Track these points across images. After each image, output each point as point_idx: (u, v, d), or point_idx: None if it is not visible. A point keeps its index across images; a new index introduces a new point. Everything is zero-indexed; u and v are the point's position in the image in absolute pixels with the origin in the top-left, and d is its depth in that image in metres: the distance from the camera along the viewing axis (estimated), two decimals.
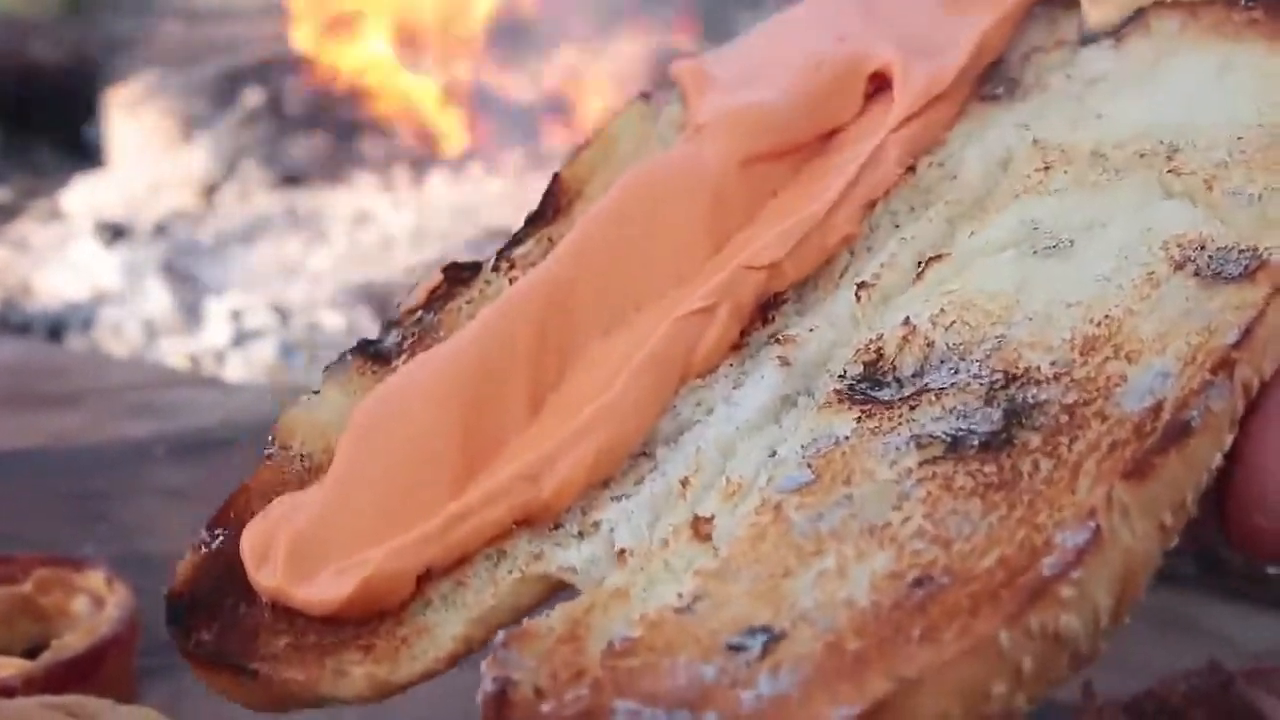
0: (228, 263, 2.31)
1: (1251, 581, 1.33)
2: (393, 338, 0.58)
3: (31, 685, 0.74)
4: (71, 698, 0.70)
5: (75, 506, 1.06)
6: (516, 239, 0.59)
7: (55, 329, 2.14)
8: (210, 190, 2.63)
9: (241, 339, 2.06)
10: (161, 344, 2.08)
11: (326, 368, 0.57)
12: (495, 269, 0.59)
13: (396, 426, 0.51)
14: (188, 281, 2.26)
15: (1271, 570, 0.46)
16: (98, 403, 1.29)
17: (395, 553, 0.48)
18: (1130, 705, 0.84)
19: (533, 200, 0.61)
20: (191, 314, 2.17)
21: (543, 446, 0.50)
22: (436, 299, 0.59)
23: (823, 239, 0.55)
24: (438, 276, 0.60)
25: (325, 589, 0.48)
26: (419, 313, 0.58)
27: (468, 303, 0.58)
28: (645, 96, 0.64)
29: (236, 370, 2.00)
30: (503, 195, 2.66)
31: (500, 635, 0.42)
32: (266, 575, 0.49)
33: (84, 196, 2.66)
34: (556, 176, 0.61)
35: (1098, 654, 0.41)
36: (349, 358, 0.57)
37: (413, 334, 0.58)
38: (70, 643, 0.78)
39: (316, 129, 2.80)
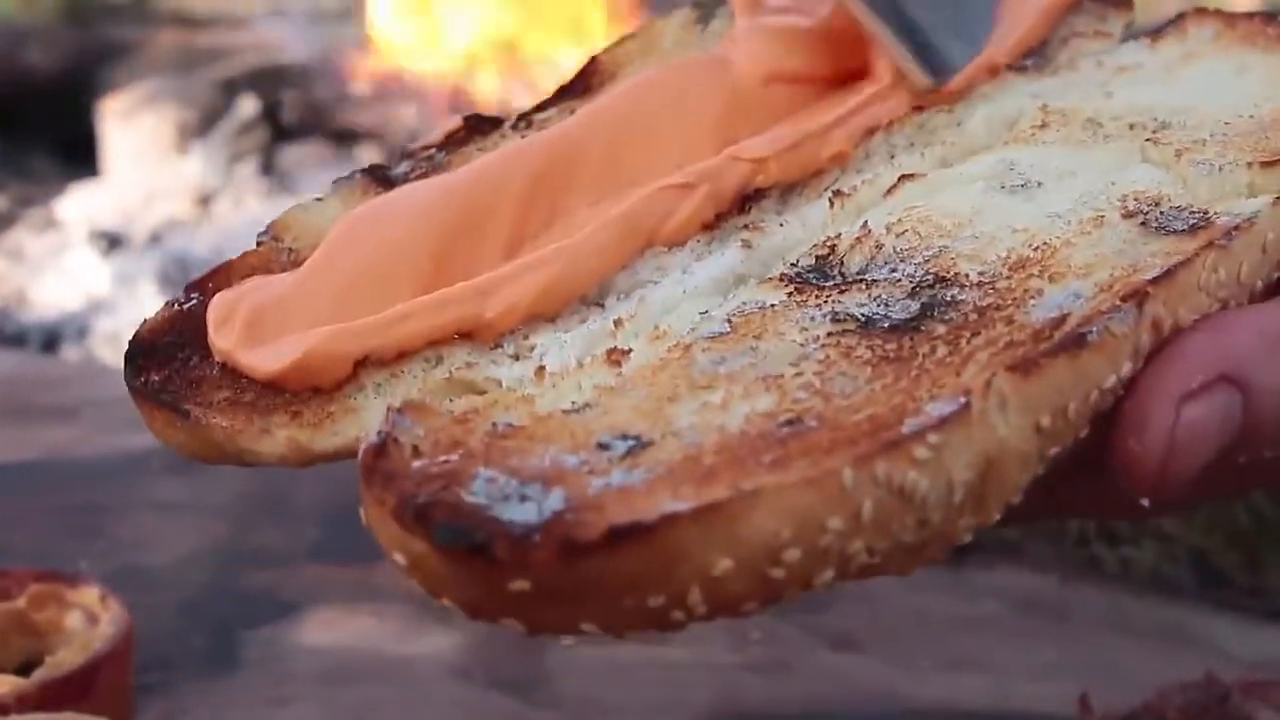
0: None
1: (1248, 594, 1.33)
2: (403, 167, 0.61)
3: (25, 702, 0.74)
4: (66, 715, 0.70)
5: (70, 520, 1.06)
6: (541, 105, 0.63)
7: (50, 339, 2.13)
8: (206, 199, 2.62)
9: None
10: None
11: (335, 181, 0.60)
12: (514, 127, 0.62)
13: (376, 233, 0.55)
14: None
15: (1143, 504, 0.47)
16: (93, 415, 1.29)
17: (338, 334, 0.51)
18: (1127, 718, 0.84)
19: None
20: None
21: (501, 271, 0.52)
22: (453, 141, 0.61)
23: (815, 150, 0.58)
24: (457, 121, 0.63)
25: (269, 357, 0.51)
26: (432, 150, 0.61)
27: (479, 150, 0.61)
28: (697, 6, 0.67)
29: None
30: None
31: (398, 401, 0.46)
32: (223, 337, 0.52)
33: (79, 205, 2.66)
34: (594, 58, 0.64)
35: (955, 534, 0.43)
36: (358, 176, 0.60)
37: (422, 168, 0.60)
38: (64, 659, 0.79)
39: (312, 137, 2.80)
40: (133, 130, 2.89)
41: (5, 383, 1.42)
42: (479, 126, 0.62)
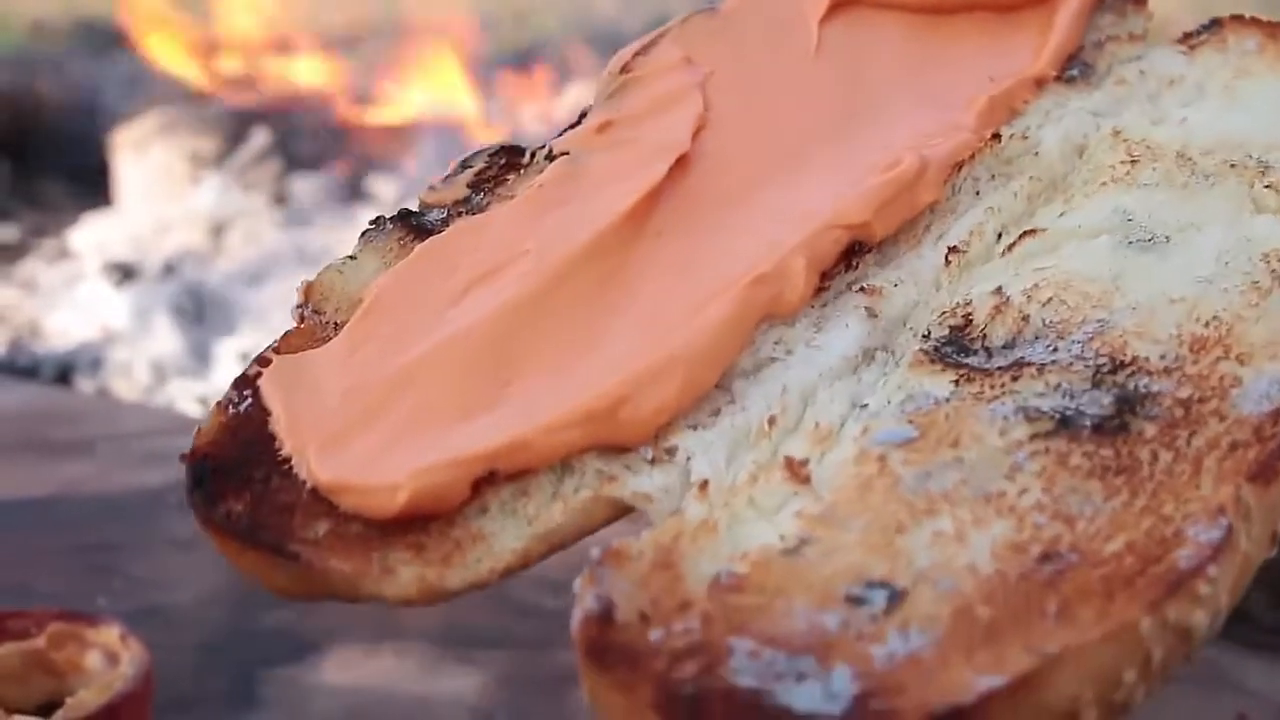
0: (237, 303, 2.30)
1: (1271, 632, 1.32)
2: (436, 214, 0.57)
3: None
4: None
5: (87, 558, 1.05)
6: (568, 129, 0.61)
7: (64, 370, 2.12)
8: (219, 229, 2.62)
9: None
10: (171, 385, 2.07)
11: (364, 233, 0.56)
12: (549, 157, 0.59)
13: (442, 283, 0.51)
14: (197, 322, 2.25)
15: None
16: (109, 450, 1.28)
17: (453, 464, 0.46)
18: None
19: None
20: (201, 355, 2.16)
21: (620, 368, 0.49)
22: (485, 181, 0.59)
23: (911, 199, 0.56)
24: (482, 161, 0.60)
25: (378, 497, 0.45)
26: (467, 192, 0.58)
27: (515, 188, 0.58)
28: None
29: None
30: None
31: (595, 552, 0.42)
32: (312, 469, 0.47)
33: (92, 235, 2.66)
34: (625, 65, 0.63)
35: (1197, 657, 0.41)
36: (389, 225, 0.56)
37: (459, 212, 0.57)
38: (85, 699, 0.78)
39: (326, 167, 2.80)
40: (145, 161, 2.89)
41: (19, 416, 1.41)
42: (510, 160, 0.60)
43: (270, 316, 2.27)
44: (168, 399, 2.01)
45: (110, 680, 0.79)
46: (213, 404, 0.50)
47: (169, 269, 2.46)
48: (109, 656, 0.83)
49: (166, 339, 2.19)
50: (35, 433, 1.37)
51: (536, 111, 3.19)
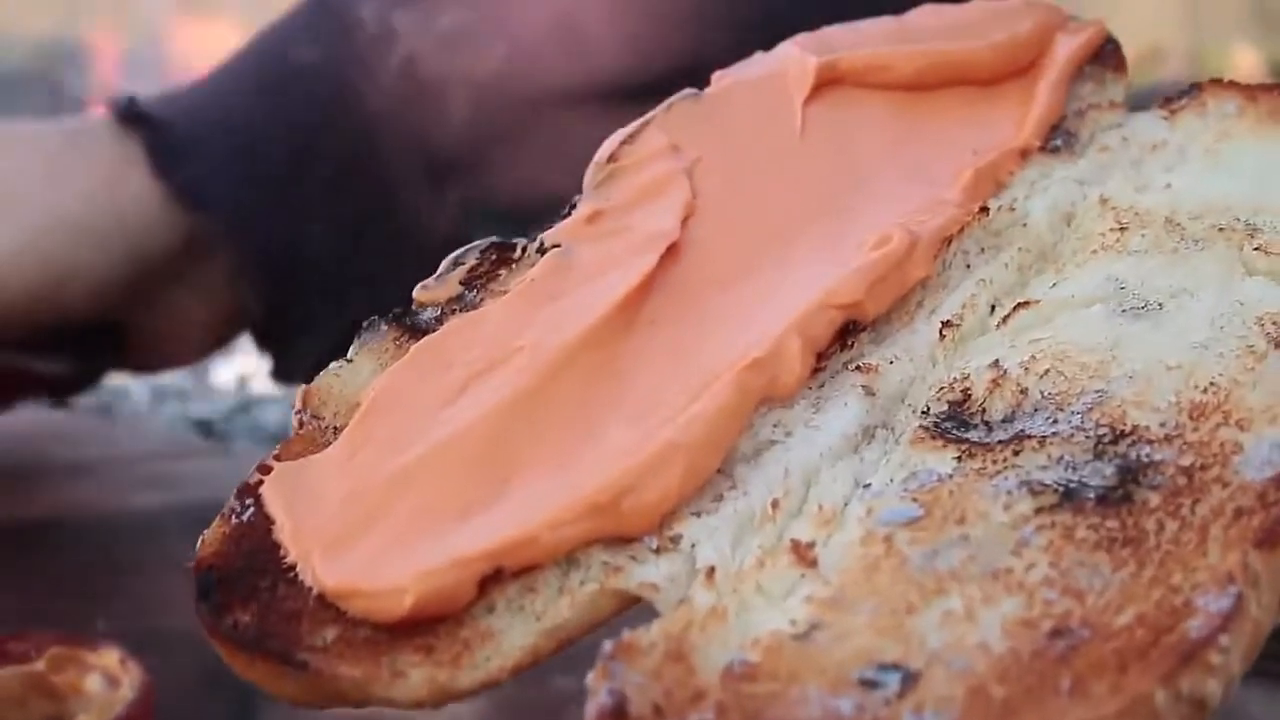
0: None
1: (1274, 659, 1.31)
2: (430, 313, 0.57)
3: None
4: None
5: (87, 580, 1.05)
6: (562, 216, 0.60)
7: None
8: None
9: (248, 404, 2.05)
10: (169, 408, 2.07)
11: (358, 334, 0.56)
12: (539, 250, 0.59)
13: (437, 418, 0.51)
14: None
15: None
16: (108, 472, 1.28)
17: (457, 564, 0.46)
18: None
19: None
20: (198, 378, 2.16)
21: (621, 458, 0.49)
22: (477, 277, 0.59)
23: (901, 276, 0.56)
24: (473, 257, 0.60)
25: (384, 602, 0.46)
26: (461, 290, 0.58)
27: (507, 283, 0.58)
28: None
29: (242, 437, 1.99)
30: None
31: (607, 646, 0.42)
32: (317, 574, 0.47)
33: None
34: (611, 155, 0.63)
35: None
36: (383, 325, 0.56)
37: (453, 310, 0.57)
38: None
39: None
40: None
41: (20, 437, 1.41)
42: (501, 255, 0.60)
43: None
44: (167, 422, 2.01)
45: (110, 703, 0.79)
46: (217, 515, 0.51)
47: None
48: (109, 680, 0.82)
49: None
50: (35, 453, 1.37)
51: None
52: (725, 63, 0.68)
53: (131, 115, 1.04)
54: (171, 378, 2.17)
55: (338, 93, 1.04)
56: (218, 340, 1.15)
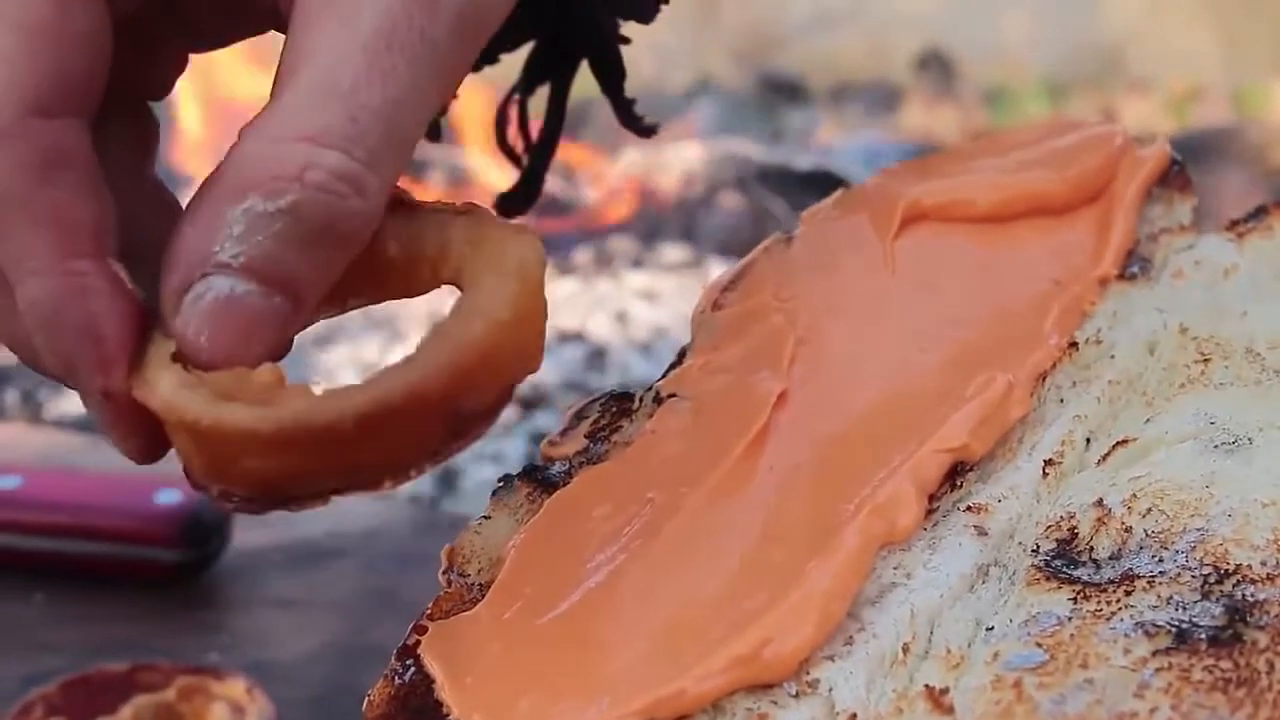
0: (307, 364, 2.35)
1: None
2: (558, 467, 0.60)
3: None
4: None
5: (196, 615, 1.09)
6: (674, 365, 0.63)
7: None
8: None
9: None
10: None
11: (494, 492, 0.59)
12: (656, 400, 0.62)
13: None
14: None
15: None
16: None
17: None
18: None
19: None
20: None
21: (759, 607, 0.51)
22: (600, 429, 0.61)
23: (1003, 416, 0.59)
24: (595, 410, 0.63)
25: None
26: (586, 443, 0.61)
27: (628, 434, 0.60)
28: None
29: None
30: (573, 296, 2.69)
31: None
32: None
33: None
34: (714, 302, 0.65)
35: None
36: (515, 482, 0.60)
37: (580, 462, 0.60)
38: None
39: None
40: None
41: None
42: (620, 407, 0.62)
43: (339, 378, 2.31)
44: None
45: None
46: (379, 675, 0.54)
47: None
48: (235, 709, 0.86)
49: None
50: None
51: (588, 176, 3.24)
52: None
53: None
54: None
55: None
56: None
